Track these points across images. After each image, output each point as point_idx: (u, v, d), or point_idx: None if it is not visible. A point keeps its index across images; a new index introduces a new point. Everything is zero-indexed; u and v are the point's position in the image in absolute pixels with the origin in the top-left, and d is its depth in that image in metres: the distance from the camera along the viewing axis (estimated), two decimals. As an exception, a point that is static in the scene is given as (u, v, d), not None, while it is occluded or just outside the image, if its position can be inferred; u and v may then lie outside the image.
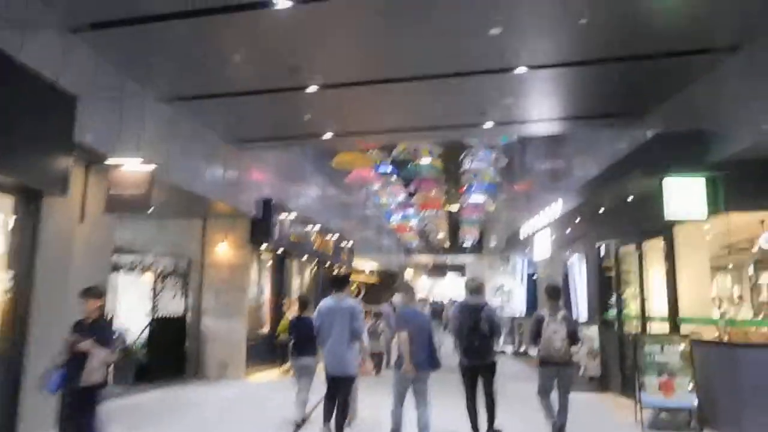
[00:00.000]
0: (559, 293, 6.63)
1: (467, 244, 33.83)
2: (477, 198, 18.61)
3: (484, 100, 7.88)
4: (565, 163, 11.80)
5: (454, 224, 33.57)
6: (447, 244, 37.00)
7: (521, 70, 6.69)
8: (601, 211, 9.89)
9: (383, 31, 5.98)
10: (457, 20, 5.63)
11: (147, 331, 11.10)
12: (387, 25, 5.85)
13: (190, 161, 9.13)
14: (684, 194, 7.03)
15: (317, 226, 15.86)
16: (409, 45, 6.25)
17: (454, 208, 32.81)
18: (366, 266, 27.38)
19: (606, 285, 11.09)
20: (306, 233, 15.07)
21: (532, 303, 18.95)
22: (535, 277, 17.86)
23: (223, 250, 12.24)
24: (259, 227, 12.30)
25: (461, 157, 15.47)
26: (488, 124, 8.93)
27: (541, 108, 8.38)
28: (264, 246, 12.70)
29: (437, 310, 21.41)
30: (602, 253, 10.96)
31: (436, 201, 20.43)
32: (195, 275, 12.35)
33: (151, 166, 6.95)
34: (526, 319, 16.01)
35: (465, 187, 19.63)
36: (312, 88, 7.29)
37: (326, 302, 5.92)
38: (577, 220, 11.18)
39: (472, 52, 6.38)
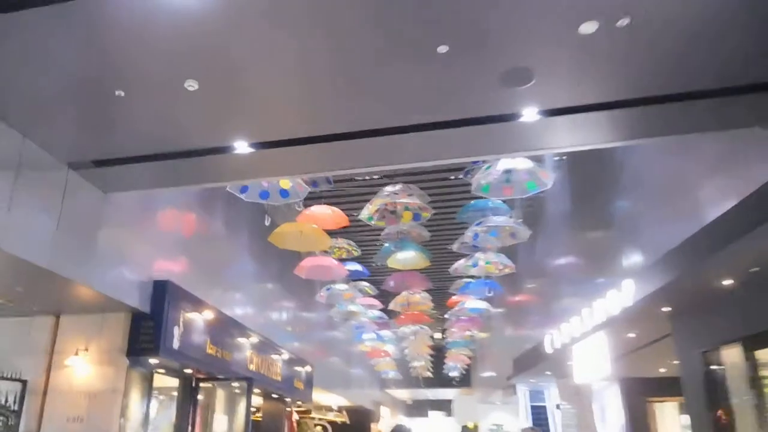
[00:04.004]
0: None
1: (454, 373, 28.52)
2: (474, 304, 14.16)
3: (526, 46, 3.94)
4: (641, 217, 7.61)
5: (439, 350, 28.59)
6: (428, 375, 31.50)
7: None
8: (727, 283, 5.60)
9: None
10: None
11: None
12: None
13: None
14: None
15: (254, 338, 11.11)
16: None
17: (438, 335, 28.12)
18: (332, 401, 21.87)
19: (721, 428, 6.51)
20: (235, 346, 10.31)
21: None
22: (559, 407, 13.06)
23: (81, 366, 7.44)
24: (145, 329, 7.64)
25: (458, 243, 11.29)
26: (529, 112, 4.90)
27: (620, 68, 4.43)
28: (154, 361, 7.90)
29: None
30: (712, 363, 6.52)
31: (420, 312, 15.84)
32: (32, 407, 7.42)
33: None
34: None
35: (457, 293, 15.24)
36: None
37: None
38: (663, 310, 6.84)
39: None
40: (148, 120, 5.11)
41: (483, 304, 14.08)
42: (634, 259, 7.63)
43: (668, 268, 6.26)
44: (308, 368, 15.56)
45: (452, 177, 16.12)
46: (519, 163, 7.04)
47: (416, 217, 8.68)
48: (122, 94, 4.68)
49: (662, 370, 11.14)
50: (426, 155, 5.64)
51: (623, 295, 7.21)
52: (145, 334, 7.59)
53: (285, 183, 7.91)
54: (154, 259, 7.90)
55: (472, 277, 14.04)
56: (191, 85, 4.55)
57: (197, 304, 8.66)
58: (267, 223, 7.50)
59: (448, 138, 5.26)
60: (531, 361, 13.17)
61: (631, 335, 8.19)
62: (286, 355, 13.38)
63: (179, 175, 6.17)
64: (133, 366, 7.74)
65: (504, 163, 7.02)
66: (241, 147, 5.46)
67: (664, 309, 6.79)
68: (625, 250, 7.93)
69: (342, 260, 12.50)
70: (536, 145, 5.48)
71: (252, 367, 11.19)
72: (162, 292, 7.71)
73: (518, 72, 4.39)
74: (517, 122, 5.02)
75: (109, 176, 6.19)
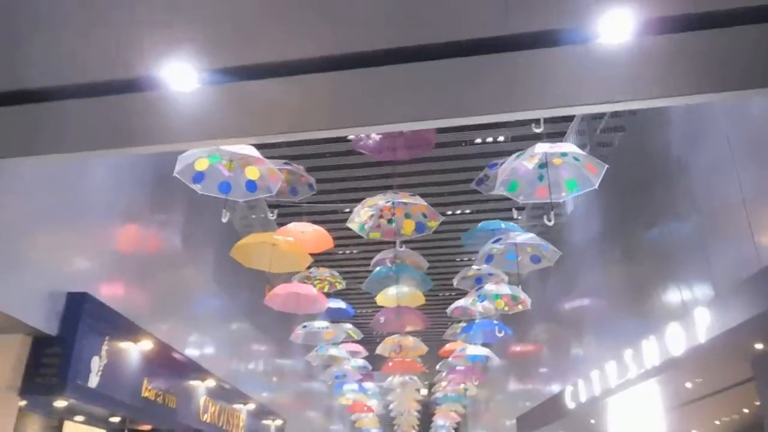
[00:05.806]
0: None
1: (442, 434, 26.07)
2: (474, 351, 12.17)
3: None
4: (712, 230, 5.76)
5: (425, 407, 26.28)
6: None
7: None
8: None
9: None
10: None
11: None
12: None
13: None
14: None
15: (210, 381, 9.00)
16: None
17: (424, 391, 25.83)
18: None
19: None
20: (183, 390, 8.23)
21: None
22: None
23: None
24: (49, 358, 5.62)
25: (458, 277, 9.51)
26: (610, 24, 3.21)
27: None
28: (60, 403, 5.83)
29: None
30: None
31: (412, 360, 13.75)
32: None
33: None
34: None
35: (453, 339, 13.34)
36: None
37: None
38: (755, 347, 5.00)
39: None
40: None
41: (484, 351, 12.10)
42: (703, 284, 5.75)
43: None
44: (279, 422, 13.33)
45: (449, 212, 14.48)
46: (560, 147, 5.33)
47: (419, 227, 6.85)
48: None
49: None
50: (445, 107, 3.88)
51: (693, 329, 5.38)
52: (49, 365, 5.58)
53: (252, 172, 6.14)
54: (69, 262, 5.94)
55: (471, 319, 12.21)
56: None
57: (129, 329, 6.65)
58: (224, 219, 5.65)
59: (479, 71, 3.54)
60: (543, 419, 11.10)
61: (690, 384, 6.31)
62: (252, 405, 11.22)
63: (92, 131, 4.34)
64: (30, 409, 5.72)
65: (540, 148, 5.30)
66: (186, 79, 3.64)
67: (757, 345, 4.97)
68: (689, 274, 6.07)
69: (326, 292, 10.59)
70: (613, 93, 3.75)
71: (206, 417, 9.09)
72: (77, 309, 5.73)
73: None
74: (589, 45, 3.33)
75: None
